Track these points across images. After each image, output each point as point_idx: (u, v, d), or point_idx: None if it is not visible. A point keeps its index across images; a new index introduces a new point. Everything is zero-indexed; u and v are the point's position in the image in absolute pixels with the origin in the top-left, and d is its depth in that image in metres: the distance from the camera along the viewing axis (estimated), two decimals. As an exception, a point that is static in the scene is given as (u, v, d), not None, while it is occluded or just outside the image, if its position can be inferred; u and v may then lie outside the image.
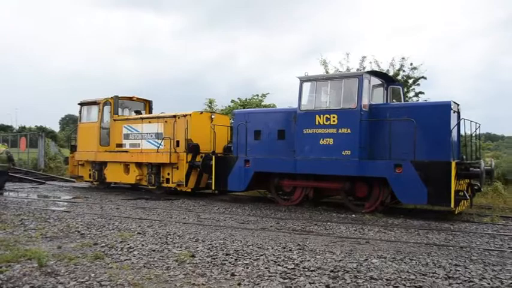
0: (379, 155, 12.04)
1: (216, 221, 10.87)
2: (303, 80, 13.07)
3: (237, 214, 12.21)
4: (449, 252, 7.79)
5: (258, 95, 25.26)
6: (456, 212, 11.53)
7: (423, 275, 6.18)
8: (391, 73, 19.50)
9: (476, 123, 12.29)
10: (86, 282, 5.67)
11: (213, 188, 14.88)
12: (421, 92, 20.78)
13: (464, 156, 12.34)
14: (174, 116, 16.56)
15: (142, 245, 7.84)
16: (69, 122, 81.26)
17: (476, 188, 12.07)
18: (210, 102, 25.52)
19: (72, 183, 22.14)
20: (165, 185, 16.56)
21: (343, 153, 12.01)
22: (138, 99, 19.90)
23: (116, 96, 18.49)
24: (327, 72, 21.14)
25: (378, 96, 13.26)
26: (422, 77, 20.61)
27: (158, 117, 17.36)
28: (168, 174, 16.36)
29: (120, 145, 18.22)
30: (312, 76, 13.05)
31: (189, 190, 15.92)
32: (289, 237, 8.84)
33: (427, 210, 13.10)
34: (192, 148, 15.72)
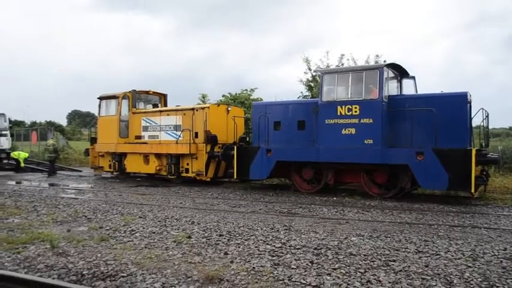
0: (397, 144, 11.81)
1: (210, 205, 10.92)
2: (324, 73, 12.82)
3: (229, 199, 12.26)
4: (420, 229, 7.94)
5: (246, 90, 25.13)
6: (474, 196, 11.59)
7: (396, 250, 6.29)
8: None
9: (485, 110, 11.84)
10: (94, 262, 5.73)
11: (235, 176, 14.51)
12: None
13: (483, 144, 12.01)
14: (193, 109, 16.14)
15: (143, 228, 7.88)
16: (76, 117, 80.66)
17: (484, 173, 11.73)
18: (203, 97, 25.35)
19: (79, 172, 22.03)
20: (184, 174, 16.22)
21: (365, 142, 11.76)
22: (154, 93, 19.47)
23: (134, 91, 18.15)
24: (309, 68, 21.13)
25: (392, 88, 12.96)
26: None
27: (176, 110, 16.89)
28: (187, 164, 16.00)
29: (139, 137, 17.80)
30: (333, 69, 12.89)
31: (208, 179, 15.61)
32: (277, 219, 8.91)
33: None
34: (211, 139, 15.34)
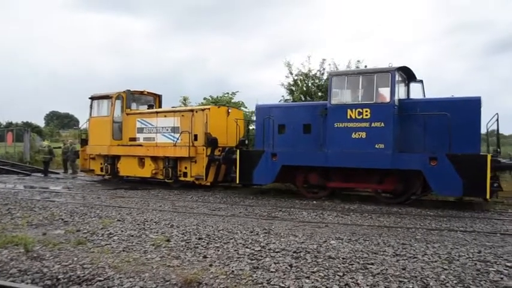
0: (408, 148, 11.57)
1: (190, 209, 10.87)
2: (333, 75, 12.54)
3: (208, 202, 12.22)
4: (398, 233, 8.05)
5: (228, 93, 25.05)
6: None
7: (375, 253, 6.37)
8: None
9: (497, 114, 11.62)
10: (70, 266, 5.65)
11: (238, 181, 13.86)
12: None
13: (498, 150, 11.77)
14: (192, 110, 15.65)
15: (122, 231, 7.80)
16: (54, 118, 79.34)
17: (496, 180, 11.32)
18: (184, 100, 25.17)
19: (56, 174, 21.64)
20: (182, 178, 15.54)
21: (376, 146, 11.43)
22: (149, 94, 18.75)
23: (128, 91, 17.48)
24: (291, 72, 21.24)
25: (401, 92, 12.61)
26: None
27: (174, 111, 16.31)
28: (186, 168, 15.39)
29: (133, 139, 17.13)
30: (342, 71, 12.42)
31: (209, 184, 14.99)
32: (257, 222, 8.92)
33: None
34: (212, 142, 14.75)
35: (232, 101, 23.86)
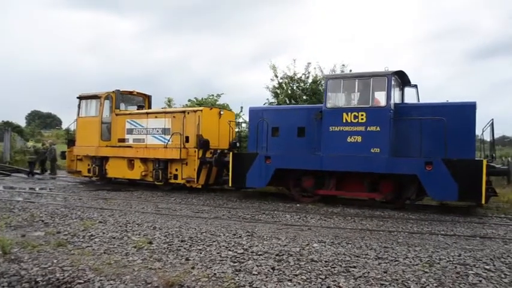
0: (403, 153, 11.55)
1: (173, 211, 10.81)
2: (328, 78, 12.44)
3: (192, 204, 12.16)
4: (380, 236, 8.11)
5: (213, 95, 25.00)
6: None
7: (357, 256, 6.40)
8: None
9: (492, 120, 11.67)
10: (49, 268, 5.57)
11: (230, 184, 13.61)
12: None
13: (493, 155, 11.82)
14: (183, 112, 15.41)
15: (103, 233, 7.72)
16: (35, 118, 78.13)
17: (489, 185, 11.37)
18: (169, 101, 25.04)
19: (38, 175, 21.30)
20: (172, 181, 15.31)
21: (372, 150, 11.39)
22: (138, 94, 18.46)
23: (118, 90, 17.17)
24: (276, 75, 21.29)
25: (396, 96, 12.50)
26: None
27: (166, 112, 16.06)
28: (176, 170, 15.11)
29: (122, 140, 16.76)
30: (338, 74, 12.26)
31: (200, 186, 14.74)
32: (240, 225, 8.91)
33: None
34: (203, 144, 14.54)
35: (217, 103, 23.83)
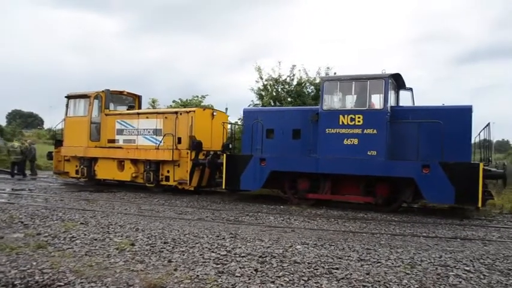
0: (400, 156, 11.51)
1: (156, 212, 10.74)
2: (325, 80, 12.42)
3: (175, 206, 12.10)
4: (363, 238, 8.18)
5: (197, 96, 24.89)
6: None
7: (340, 258, 6.45)
8: (317, 80, 19.89)
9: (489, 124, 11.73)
10: (28, 271, 5.47)
11: (224, 186, 13.41)
12: None
13: (489, 158, 11.93)
14: (176, 112, 15.22)
15: (85, 235, 7.63)
16: (16, 117, 76.81)
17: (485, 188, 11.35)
18: (153, 102, 24.86)
19: (18, 175, 20.92)
20: (164, 183, 15.08)
21: (368, 153, 11.35)
22: (129, 94, 18.19)
23: (108, 90, 16.86)
24: (261, 77, 21.29)
25: (391, 99, 12.44)
26: None
27: (157, 113, 15.87)
28: (168, 172, 14.90)
29: (112, 141, 16.45)
30: (335, 76, 12.21)
31: (192, 188, 14.52)
32: (223, 227, 8.89)
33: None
34: (196, 145, 14.31)
35: (202, 103, 23.75)
